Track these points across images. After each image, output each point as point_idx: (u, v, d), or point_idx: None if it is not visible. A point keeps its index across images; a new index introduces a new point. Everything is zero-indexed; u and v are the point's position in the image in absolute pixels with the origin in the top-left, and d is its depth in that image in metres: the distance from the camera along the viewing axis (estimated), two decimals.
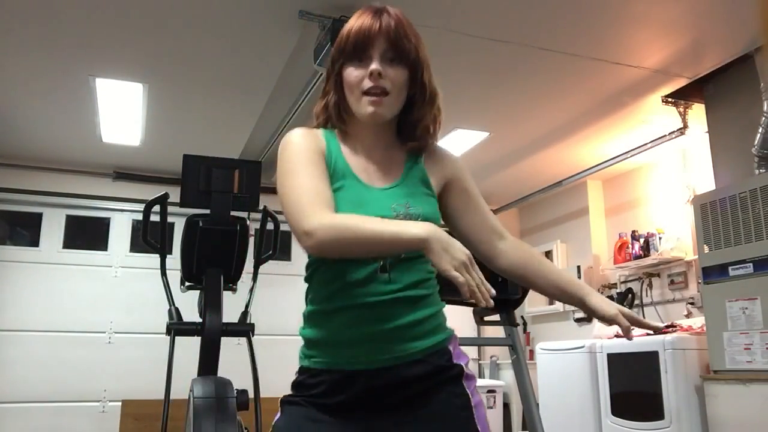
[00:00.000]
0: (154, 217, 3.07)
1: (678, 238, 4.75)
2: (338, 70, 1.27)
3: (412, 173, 1.29)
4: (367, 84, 1.22)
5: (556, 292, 1.33)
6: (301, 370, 1.25)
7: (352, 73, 1.24)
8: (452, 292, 1.17)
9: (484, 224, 1.34)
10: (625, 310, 1.29)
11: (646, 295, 5.08)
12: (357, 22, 1.24)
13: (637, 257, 4.98)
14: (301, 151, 1.23)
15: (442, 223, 1.32)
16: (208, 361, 2.81)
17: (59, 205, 5.42)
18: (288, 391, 1.26)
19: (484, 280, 1.07)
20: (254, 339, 2.99)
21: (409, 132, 1.31)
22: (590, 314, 1.31)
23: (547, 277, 1.33)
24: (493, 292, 1.08)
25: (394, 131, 1.32)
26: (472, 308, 2.79)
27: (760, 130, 3.51)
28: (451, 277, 1.04)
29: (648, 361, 3.93)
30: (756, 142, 3.54)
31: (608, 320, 1.28)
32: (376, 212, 1.17)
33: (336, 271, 1.20)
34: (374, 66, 1.22)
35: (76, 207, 5.47)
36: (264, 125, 4.61)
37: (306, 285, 1.28)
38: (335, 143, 1.29)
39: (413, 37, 1.26)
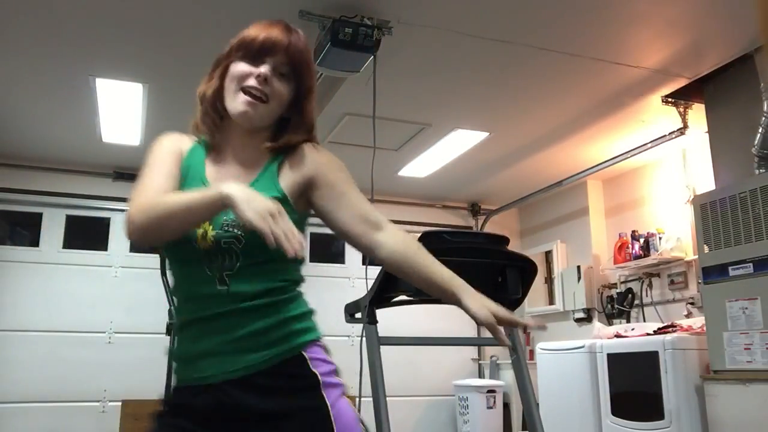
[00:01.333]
0: None
1: (678, 238, 4.75)
2: (228, 63, 1.27)
3: (265, 175, 1.25)
4: (251, 82, 1.22)
5: (432, 288, 1.24)
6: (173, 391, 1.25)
7: (240, 66, 1.24)
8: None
9: (358, 217, 1.25)
10: (501, 312, 1.18)
11: (646, 295, 5.08)
12: (267, 30, 1.26)
13: (637, 257, 4.98)
14: (158, 152, 1.27)
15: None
16: None
17: (59, 205, 5.41)
18: None
19: (293, 230, 1.04)
20: None
21: (276, 141, 1.29)
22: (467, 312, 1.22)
23: (422, 270, 1.23)
24: (301, 238, 1.04)
25: (264, 140, 1.28)
26: None
27: (760, 130, 3.51)
28: (256, 229, 1.02)
29: (648, 361, 3.93)
30: (756, 142, 3.54)
31: (480, 324, 1.19)
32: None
33: (183, 285, 1.23)
34: (264, 69, 1.22)
35: (76, 207, 5.46)
36: None
37: None
38: (200, 151, 1.29)
39: (309, 65, 1.29)
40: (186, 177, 1.25)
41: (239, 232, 1.17)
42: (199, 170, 1.26)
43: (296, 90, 1.27)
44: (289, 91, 1.26)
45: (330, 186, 1.26)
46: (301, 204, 1.26)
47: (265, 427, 1.14)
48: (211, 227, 1.18)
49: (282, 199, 1.20)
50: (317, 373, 1.19)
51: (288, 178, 1.25)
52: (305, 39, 1.30)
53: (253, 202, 1.04)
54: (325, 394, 1.18)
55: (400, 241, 1.25)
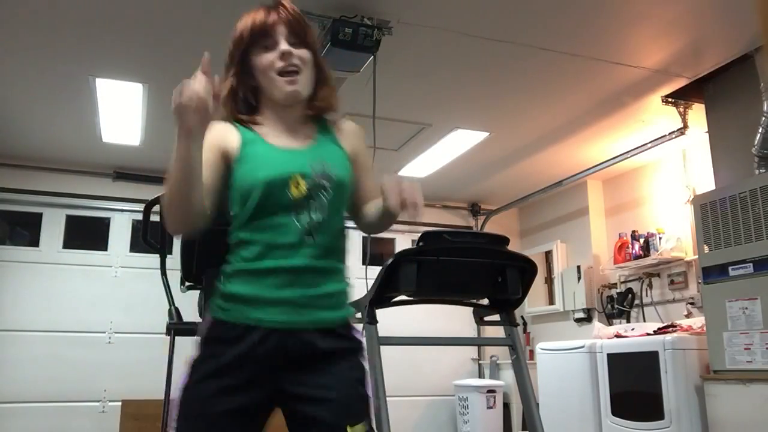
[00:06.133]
0: (154, 217, 3.07)
1: (678, 238, 4.75)
2: (239, 61, 1.35)
3: (326, 139, 1.39)
4: (280, 64, 1.31)
5: (381, 215, 1.35)
6: (216, 323, 1.29)
7: (263, 57, 1.32)
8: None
9: (368, 196, 1.42)
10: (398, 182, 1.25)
11: (646, 295, 5.08)
12: (253, 17, 1.34)
13: (637, 257, 4.98)
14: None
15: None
16: None
17: (59, 205, 5.41)
18: None
19: (199, 92, 1.15)
20: None
21: (316, 109, 1.41)
22: (388, 209, 1.28)
23: (372, 208, 1.39)
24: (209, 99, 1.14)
25: (303, 111, 1.39)
26: (471, 308, 2.79)
27: (760, 130, 3.51)
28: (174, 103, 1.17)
29: (648, 361, 3.93)
30: (756, 142, 3.54)
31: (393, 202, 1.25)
32: (289, 168, 1.27)
33: (268, 233, 1.27)
34: (284, 47, 1.31)
35: (76, 207, 5.46)
36: None
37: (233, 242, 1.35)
38: (249, 132, 1.36)
39: (306, 26, 1.37)
40: (247, 149, 1.32)
41: (327, 184, 1.29)
42: (257, 140, 1.33)
43: (311, 52, 1.37)
44: (308, 53, 1.35)
45: (364, 165, 1.44)
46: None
47: (309, 375, 1.26)
48: (302, 178, 1.27)
49: (348, 158, 1.38)
50: (360, 340, 1.35)
51: (346, 145, 1.40)
52: (291, 5, 1.37)
53: (180, 90, 1.15)
54: (363, 361, 1.33)
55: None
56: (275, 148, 1.33)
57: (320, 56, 1.39)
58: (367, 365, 1.34)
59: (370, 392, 1.31)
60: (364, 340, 1.38)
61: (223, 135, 1.33)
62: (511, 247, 2.36)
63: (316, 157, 1.31)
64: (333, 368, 1.27)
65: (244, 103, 1.38)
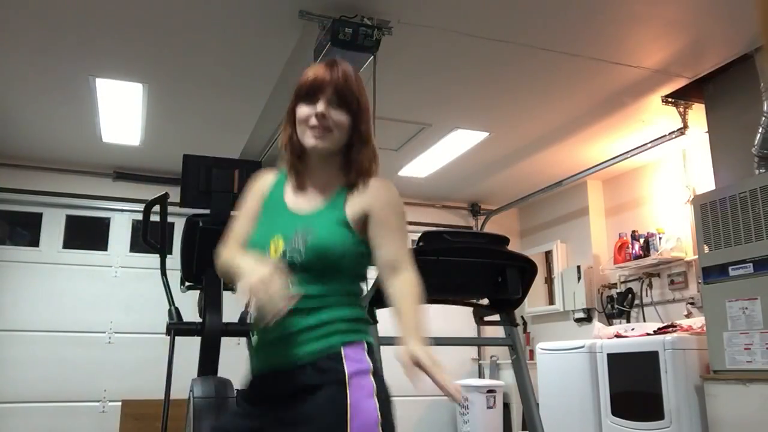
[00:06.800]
0: (154, 217, 3.07)
1: (678, 238, 4.75)
2: (292, 109, 1.47)
3: (335, 202, 1.44)
4: (313, 121, 1.42)
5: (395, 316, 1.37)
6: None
7: (302, 110, 1.44)
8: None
9: (387, 262, 1.40)
10: (424, 361, 1.29)
11: (646, 295, 5.08)
12: (313, 71, 1.46)
13: (637, 257, 4.98)
14: (248, 195, 1.54)
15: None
16: (208, 361, 2.81)
17: (59, 205, 5.41)
18: None
19: (277, 293, 1.22)
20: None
21: (348, 170, 1.47)
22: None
23: (396, 314, 1.36)
24: (283, 299, 1.22)
25: (338, 168, 1.47)
26: (471, 308, 2.80)
27: (760, 130, 3.51)
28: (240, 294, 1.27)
29: (648, 361, 3.93)
30: (756, 142, 3.54)
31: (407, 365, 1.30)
32: (280, 230, 1.40)
33: None
34: (319, 107, 1.41)
35: (76, 207, 5.47)
36: (264, 125, 4.61)
37: None
38: (283, 180, 1.51)
39: (357, 89, 1.45)
40: (267, 206, 1.49)
41: (301, 249, 1.35)
42: (279, 199, 1.49)
43: (351, 116, 1.44)
44: (347, 118, 1.43)
45: (379, 224, 1.42)
46: (365, 232, 1.42)
47: (288, 410, 1.29)
48: (282, 242, 1.38)
49: (344, 223, 1.40)
50: (347, 371, 1.30)
51: (353, 206, 1.43)
52: (350, 70, 1.47)
53: (250, 276, 1.25)
54: (349, 391, 1.29)
55: (399, 289, 1.38)
56: (282, 210, 1.46)
57: (363, 122, 1.46)
58: (353, 397, 1.29)
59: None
60: (354, 369, 1.31)
61: (263, 188, 1.52)
62: (511, 247, 2.37)
63: (308, 223, 1.39)
64: (309, 409, 1.28)
65: (299, 150, 1.47)
